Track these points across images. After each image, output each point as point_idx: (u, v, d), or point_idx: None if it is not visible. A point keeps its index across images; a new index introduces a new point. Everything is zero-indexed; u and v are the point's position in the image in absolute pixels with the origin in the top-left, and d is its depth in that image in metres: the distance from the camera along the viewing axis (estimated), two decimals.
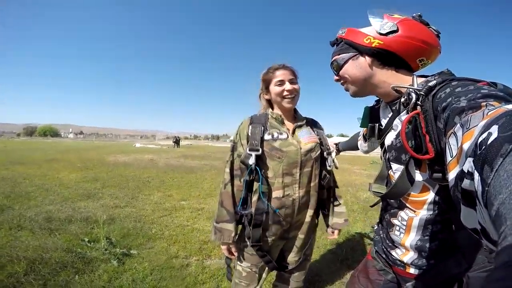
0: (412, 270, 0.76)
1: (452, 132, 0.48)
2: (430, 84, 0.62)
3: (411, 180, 0.70)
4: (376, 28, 0.72)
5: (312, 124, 1.32)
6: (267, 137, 1.15)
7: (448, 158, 0.47)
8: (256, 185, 1.15)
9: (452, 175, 0.43)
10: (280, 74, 1.16)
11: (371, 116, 0.91)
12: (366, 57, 0.75)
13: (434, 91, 0.61)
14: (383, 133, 0.83)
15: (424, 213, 0.72)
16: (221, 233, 1.15)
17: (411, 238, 0.75)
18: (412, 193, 0.72)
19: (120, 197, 4.43)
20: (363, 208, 4.32)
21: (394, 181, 0.73)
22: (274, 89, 1.18)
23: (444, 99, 0.57)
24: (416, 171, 0.70)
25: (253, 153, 1.09)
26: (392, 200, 0.81)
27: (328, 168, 1.23)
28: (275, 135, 1.16)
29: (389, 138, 0.79)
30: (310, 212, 1.24)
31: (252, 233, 1.14)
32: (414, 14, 0.73)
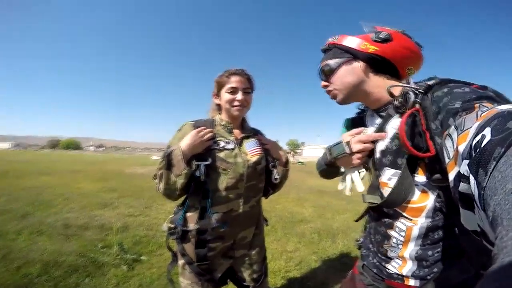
0: (412, 282, 0.70)
1: (447, 134, 0.49)
2: (429, 83, 0.64)
3: (410, 185, 0.67)
4: (371, 35, 0.75)
5: (259, 136, 1.24)
6: (213, 146, 1.04)
7: (446, 160, 0.47)
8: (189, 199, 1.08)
9: (451, 176, 0.44)
10: (234, 81, 1.08)
11: (353, 127, 0.88)
12: (360, 62, 0.76)
13: (433, 89, 0.63)
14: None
15: (422, 220, 0.68)
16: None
17: (410, 248, 0.71)
18: (410, 199, 0.68)
19: (135, 207, 4.51)
20: None
21: (392, 188, 0.70)
22: (224, 95, 1.09)
23: (440, 98, 0.58)
24: (414, 174, 0.67)
25: (202, 164, 0.98)
26: (385, 210, 0.76)
27: (274, 181, 1.16)
28: (222, 144, 1.06)
29: (383, 144, 0.76)
30: (254, 228, 1.18)
31: (196, 253, 1.04)
32: (398, 29, 0.76)
